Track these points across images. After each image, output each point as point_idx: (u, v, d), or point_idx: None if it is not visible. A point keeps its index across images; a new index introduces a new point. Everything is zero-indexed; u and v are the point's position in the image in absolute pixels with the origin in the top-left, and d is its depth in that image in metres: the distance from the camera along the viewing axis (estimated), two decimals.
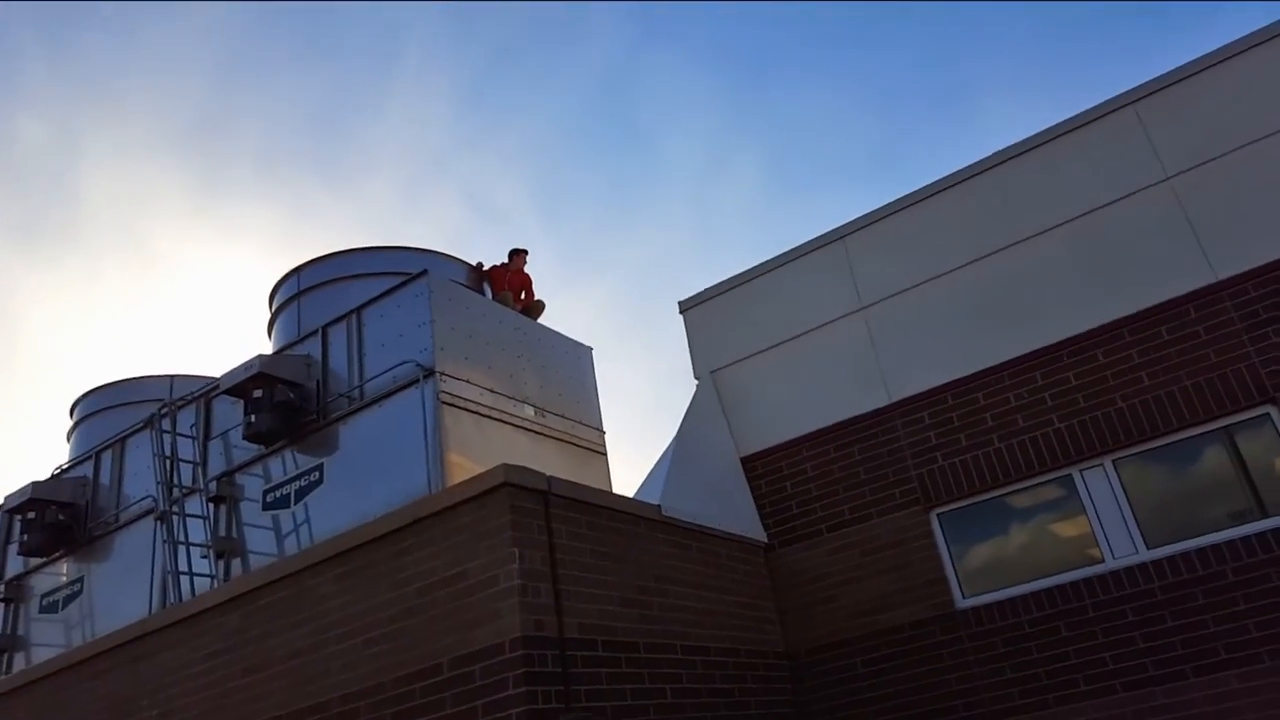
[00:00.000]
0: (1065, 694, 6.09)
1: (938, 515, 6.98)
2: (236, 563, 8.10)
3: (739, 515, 7.38)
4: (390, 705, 5.02)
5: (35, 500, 9.54)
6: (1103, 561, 6.30)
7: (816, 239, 8.28)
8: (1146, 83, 7.17)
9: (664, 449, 7.36)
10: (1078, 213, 7.09)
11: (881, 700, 6.73)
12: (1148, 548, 6.18)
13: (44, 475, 10.10)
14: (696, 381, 8.40)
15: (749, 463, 7.88)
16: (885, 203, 8.00)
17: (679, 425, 7.60)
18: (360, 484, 7.50)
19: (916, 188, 7.89)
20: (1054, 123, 7.44)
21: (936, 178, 7.81)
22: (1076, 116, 7.38)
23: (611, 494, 6.41)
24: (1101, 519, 6.39)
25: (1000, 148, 7.64)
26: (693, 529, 6.58)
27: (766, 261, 8.50)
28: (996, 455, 6.82)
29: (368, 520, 5.61)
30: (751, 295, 8.48)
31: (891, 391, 7.42)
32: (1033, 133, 7.54)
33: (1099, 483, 6.49)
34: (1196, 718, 5.66)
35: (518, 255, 9.91)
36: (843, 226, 8.15)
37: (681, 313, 8.83)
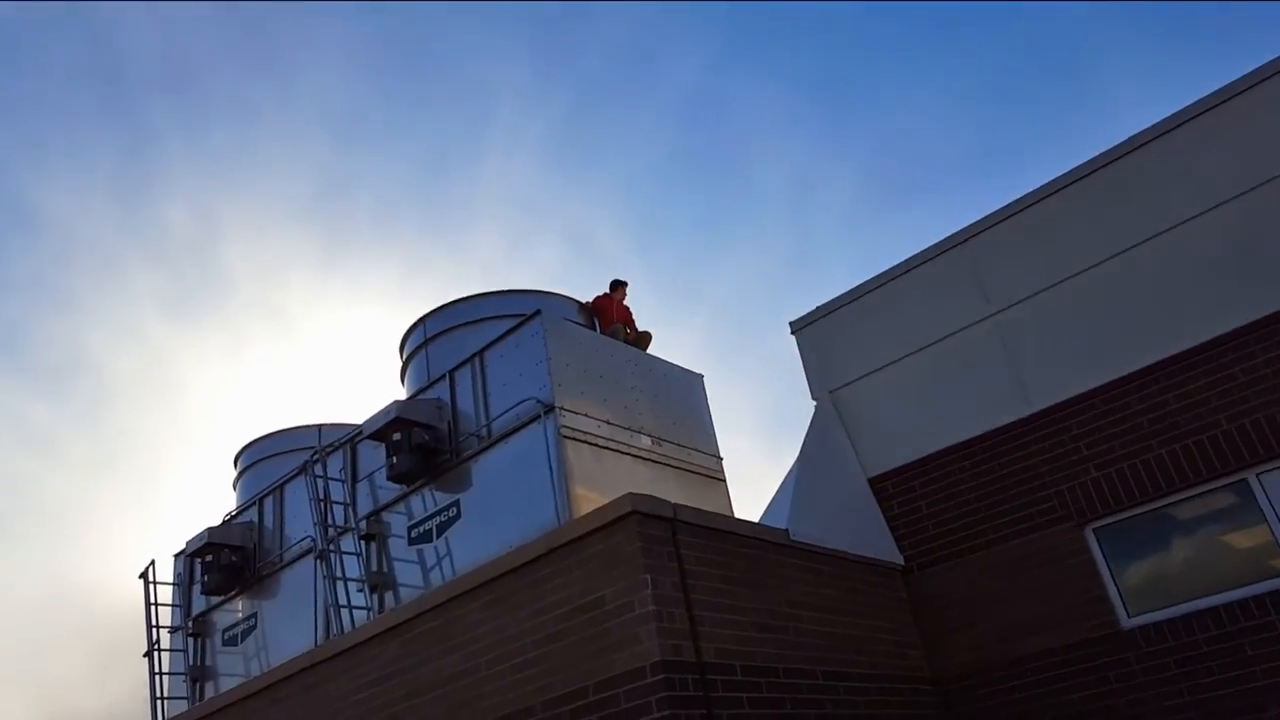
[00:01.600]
0: (1254, 718, 5.62)
1: (1093, 530, 6.61)
2: (389, 596, 8.55)
3: (871, 538, 7.21)
4: None
5: (211, 544, 10.42)
6: None
7: (936, 245, 8.03)
8: None
9: (785, 473, 7.30)
10: (1227, 196, 6.61)
11: None
12: None
13: (216, 522, 11.00)
14: (814, 402, 8.28)
15: (878, 483, 7.69)
16: (1005, 203, 7.70)
17: (800, 448, 7.51)
18: (494, 517, 7.81)
19: (1038, 185, 7.55)
20: (1190, 102, 7.00)
21: (1058, 174, 7.47)
22: (1213, 95, 6.90)
23: (738, 520, 6.41)
24: None
25: (1130, 134, 7.22)
26: (824, 553, 6.48)
27: (880, 274, 8.31)
28: (1157, 462, 6.40)
29: (506, 551, 5.83)
30: (867, 310, 8.30)
31: (1032, 401, 7.09)
32: (1164, 115, 7.11)
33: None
34: None
35: (619, 287, 10.12)
36: (965, 230, 7.88)
37: (793, 333, 8.73)
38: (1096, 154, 7.35)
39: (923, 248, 8.11)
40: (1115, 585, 6.43)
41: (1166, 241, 6.82)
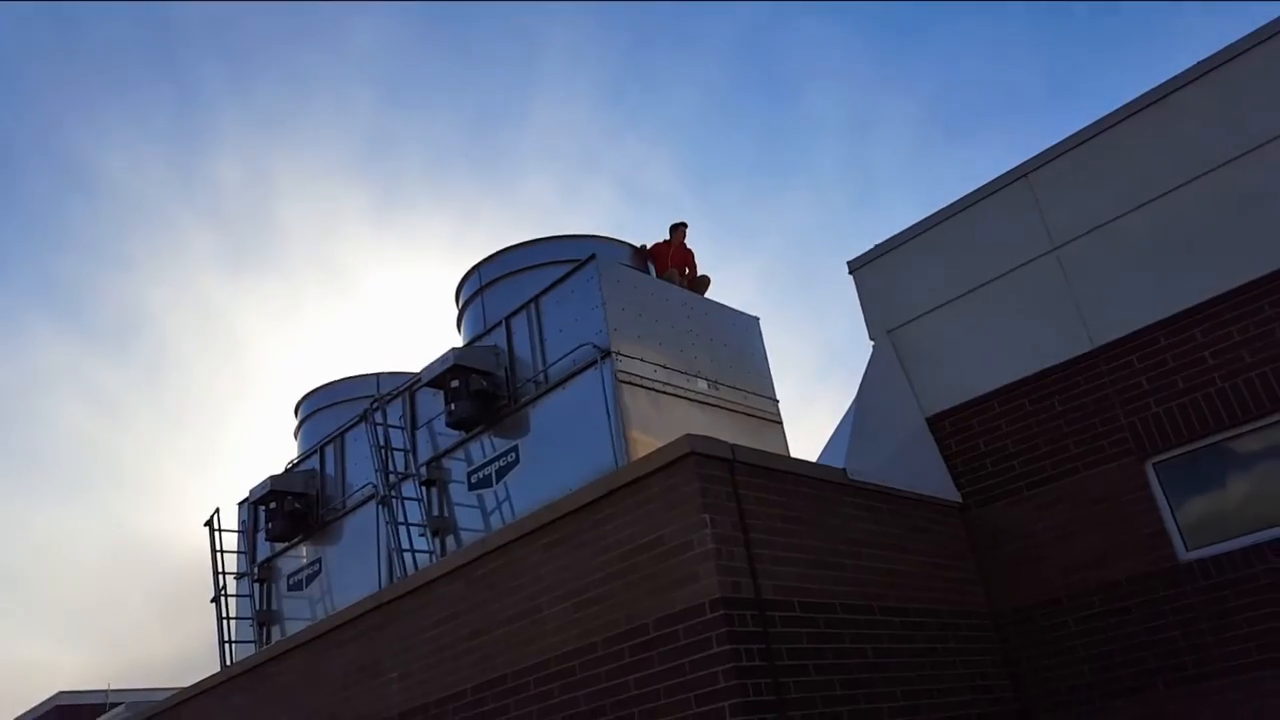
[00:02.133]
0: None
1: (1154, 465, 6.53)
2: (450, 539, 8.78)
3: (929, 476, 7.20)
4: (604, 664, 5.32)
5: (274, 492, 10.75)
6: None
7: (995, 180, 7.82)
8: None
9: (843, 414, 7.28)
10: None
11: (1099, 659, 6.44)
12: None
13: (279, 470, 11.35)
14: (872, 342, 8.20)
15: (936, 422, 7.64)
16: (1067, 134, 7.46)
17: (858, 388, 7.47)
18: (552, 462, 7.93)
19: (1101, 115, 7.29)
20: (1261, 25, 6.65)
21: (1124, 102, 7.20)
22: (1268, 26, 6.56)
23: (795, 459, 6.44)
24: None
25: (1200, 58, 6.92)
26: (881, 491, 6.49)
27: (938, 211, 8.13)
28: (1220, 396, 6.27)
29: (566, 493, 5.94)
30: (925, 247, 8.15)
31: (1094, 336, 6.96)
32: (1238, 37, 6.77)
33: None
34: None
35: (678, 230, 10.03)
36: (1025, 163, 7.65)
37: (851, 273, 8.61)
38: (1159, 83, 7.08)
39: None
40: (1174, 519, 6.40)
41: (1232, 171, 6.56)
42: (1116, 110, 7.23)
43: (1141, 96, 7.13)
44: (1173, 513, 6.41)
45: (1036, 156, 7.61)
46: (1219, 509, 6.27)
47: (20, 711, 36.99)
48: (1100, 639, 6.46)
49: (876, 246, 8.49)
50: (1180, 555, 6.27)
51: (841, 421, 7.15)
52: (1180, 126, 6.90)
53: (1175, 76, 7.00)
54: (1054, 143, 7.52)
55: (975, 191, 7.93)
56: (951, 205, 8.07)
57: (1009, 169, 7.75)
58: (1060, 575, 6.72)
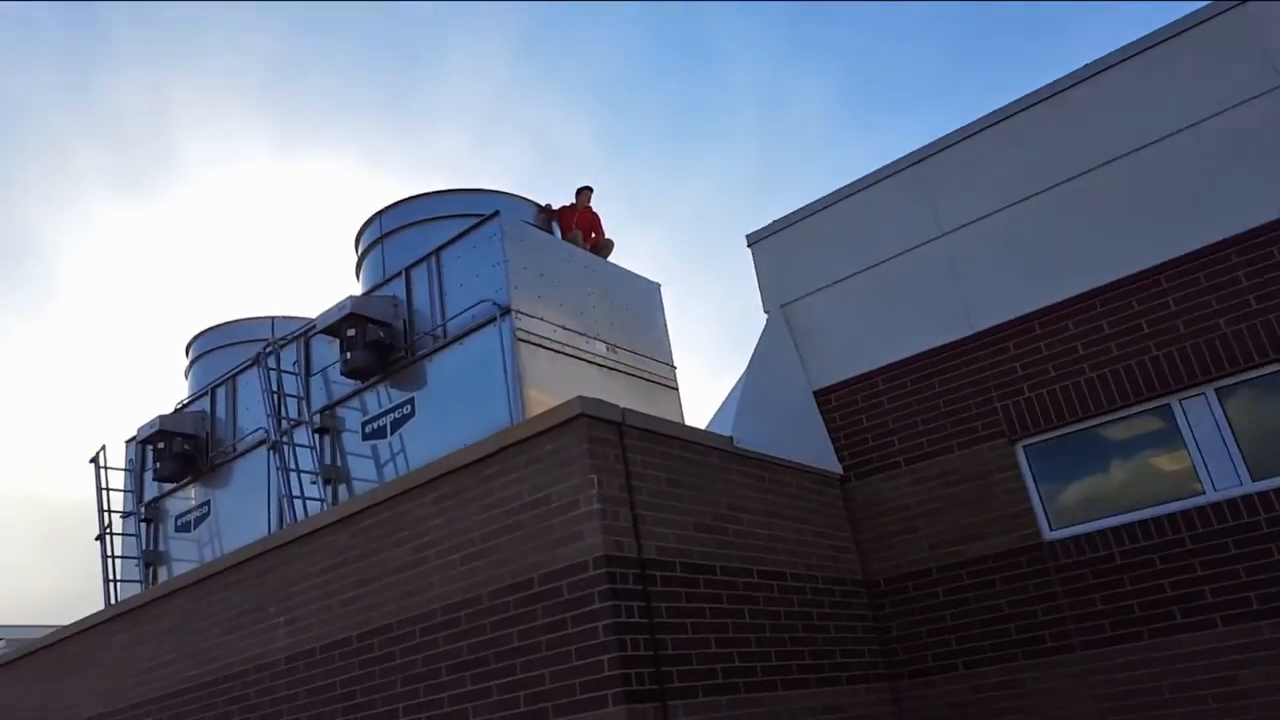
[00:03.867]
0: (1160, 626, 6.02)
1: (1024, 447, 6.90)
2: (342, 488, 8.70)
3: (812, 447, 7.46)
4: (487, 615, 5.42)
5: (163, 432, 10.42)
6: (1203, 494, 6.15)
7: (892, 164, 8.06)
8: None
9: (734, 383, 7.47)
10: (1177, 128, 6.72)
11: (964, 628, 6.79)
12: (1253, 479, 5.99)
13: (168, 410, 10.97)
14: (766, 315, 8.41)
15: (822, 396, 7.91)
16: (965, 123, 7.74)
17: (750, 359, 7.67)
18: (448, 416, 7.93)
19: (998, 107, 7.58)
20: (1146, 32, 7.03)
21: (1021, 94, 7.50)
22: (1174, 24, 6.93)
23: (684, 425, 6.59)
24: (1202, 449, 6.21)
25: (1089, 61, 7.26)
26: (765, 460, 6.71)
27: (838, 190, 8.33)
28: (1088, 385, 6.67)
29: (457, 449, 5.96)
30: (823, 226, 8.35)
31: (974, 322, 7.30)
32: (1122, 44, 7.13)
33: (1200, 412, 6.28)
34: None
35: (583, 193, 10.03)
36: (920, 150, 7.93)
37: (750, 246, 8.75)
38: (1046, 82, 7.40)
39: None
40: (1040, 499, 6.75)
41: (1113, 170, 6.93)
42: (1007, 105, 7.54)
43: (1032, 93, 7.44)
44: (1039, 493, 6.76)
45: (931, 144, 7.88)
46: (1083, 492, 6.66)
47: None
48: (967, 610, 6.79)
49: (775, 221, 8.65)
50: (1045, 534, 6.63)
51: (732, 390, 7.34)
52: (1068, 124, 7.23)
53: (1064, 76, 7.33)
54: (946, 133, 7.81)
55: (873, 174, 8.16)
56: (848, 186, 8.27)
57: (904, 154, 8.01)
58: (931, 548, 7.05)
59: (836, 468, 7.55)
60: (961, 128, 7.75)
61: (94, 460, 10.95)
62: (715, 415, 7.05)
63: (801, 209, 8.52)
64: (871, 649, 6.98)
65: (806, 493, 7.09)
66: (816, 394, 7.95)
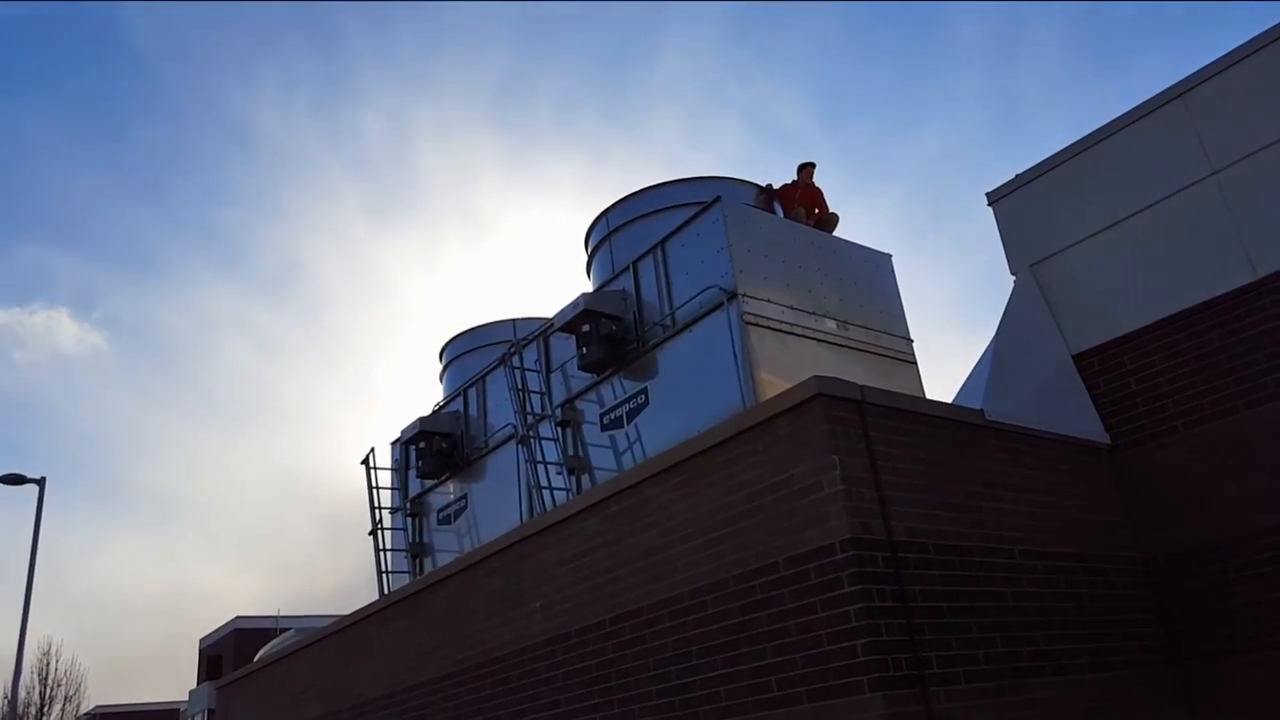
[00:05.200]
0: None
1: None
2: (585, 478, 9.16)
3: (1074, 416, 6.89)
4: (734, 599, 5.48)
5: (423, 433, 11.50)
6: None
7: (1148, 101, 7.24)
8: None
9: (982, 352, 7.04)
10: None
11: (1261, 606, 6.06)
12: None
13: (427, 412, 12.08)
14: (1014, 277, 7.84)
15: (1083, 360, 7.27)
16: (1229, 50, 6.79)
17: (998, 325, 7.20)
18: (681, 403, 8.09)
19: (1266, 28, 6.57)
20: None
21: None
22: None
23: (928, 400, 6.32)
24: None
25: None
26: (1022, 432, 6.29)
27: (1085, 137, 7.60)
28: None
29: (694, 435, 6.07)
30: (1071, 176, 7.65)
31: (1257, 266, 6.42)
32: None
33: None
34: None
35: (805, 169, 9.85)
36: (1181, 83, 7.04)
37: (990, 204, 8.19)
38: None
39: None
40: None
41: None
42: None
43: None
44: None
45: (1193, 75, 6.99)
46: None
47: (204, 633, 41.49)
48: (1265, 584, 6.09)
49: (1018, 176, 8.04)
50: None
51: (980, 360, 6.94)
52: None
53: None
54: (1211, 60, 6.88)
55: (1126, 114, 7.37)
56: (1099, 130, 7.52)
57: (1161, 91, 7.15)
58: (1217, 520, 6.35)
59: (1103, 437, 6.92)
60: (1226, 54, 6.80)
61: (364, 462, 12.28)
62: (963, 387, 6.71)
63: (1046, 160, 7.85)
64: (1151, 632, 6.37)
65: (1071, 465, 6.57)
66: (1076, 358, 7.31)
